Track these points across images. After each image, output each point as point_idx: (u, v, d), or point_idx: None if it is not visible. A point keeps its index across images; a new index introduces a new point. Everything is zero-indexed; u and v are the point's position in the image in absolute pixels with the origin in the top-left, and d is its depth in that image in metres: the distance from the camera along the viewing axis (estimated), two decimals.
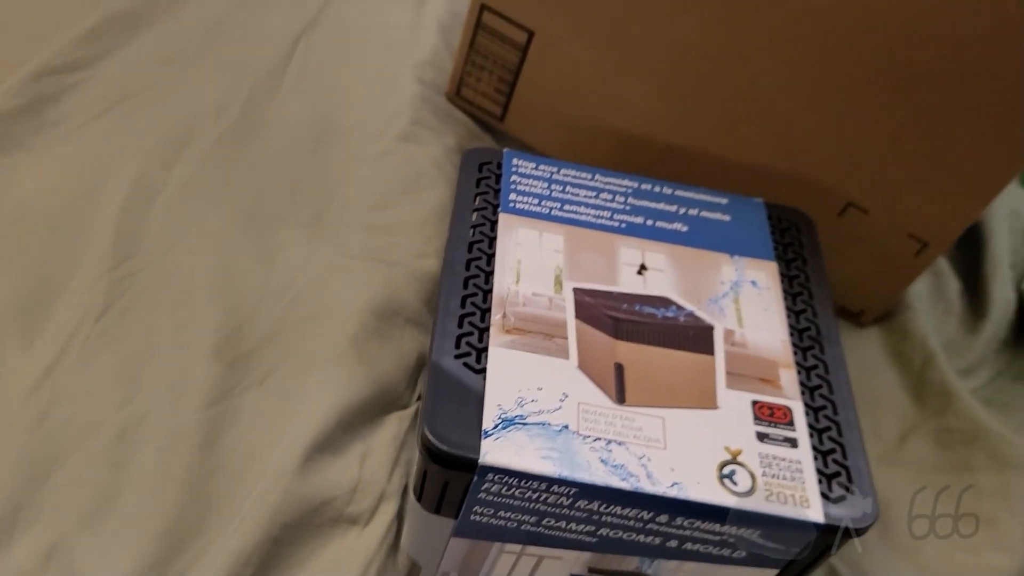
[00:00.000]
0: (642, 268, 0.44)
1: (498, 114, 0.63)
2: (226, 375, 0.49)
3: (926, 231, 0.55)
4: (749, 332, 0.42)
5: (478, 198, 0.46)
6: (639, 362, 0.40)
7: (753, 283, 0.45)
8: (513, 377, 0.39)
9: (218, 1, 0.67)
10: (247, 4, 0.68)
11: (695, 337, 0.42)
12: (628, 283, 0.43)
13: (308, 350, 0.50)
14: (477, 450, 0.36)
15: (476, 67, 0.62)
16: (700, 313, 0.42)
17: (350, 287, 0.53)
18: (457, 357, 0.39)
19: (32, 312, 0.49)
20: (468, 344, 0.39)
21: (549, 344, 0.40)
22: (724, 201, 0.49)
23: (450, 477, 0.37)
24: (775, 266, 0.46)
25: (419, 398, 0.51)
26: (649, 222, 0.47)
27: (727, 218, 0.48)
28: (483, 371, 0.39)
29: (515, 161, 0.48)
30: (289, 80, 0.64)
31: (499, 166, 0.48)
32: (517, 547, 0.39)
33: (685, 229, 0.47)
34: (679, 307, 0.43)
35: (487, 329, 0.40)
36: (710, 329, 0.42)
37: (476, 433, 0.37)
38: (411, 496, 0.40)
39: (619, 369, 0.40)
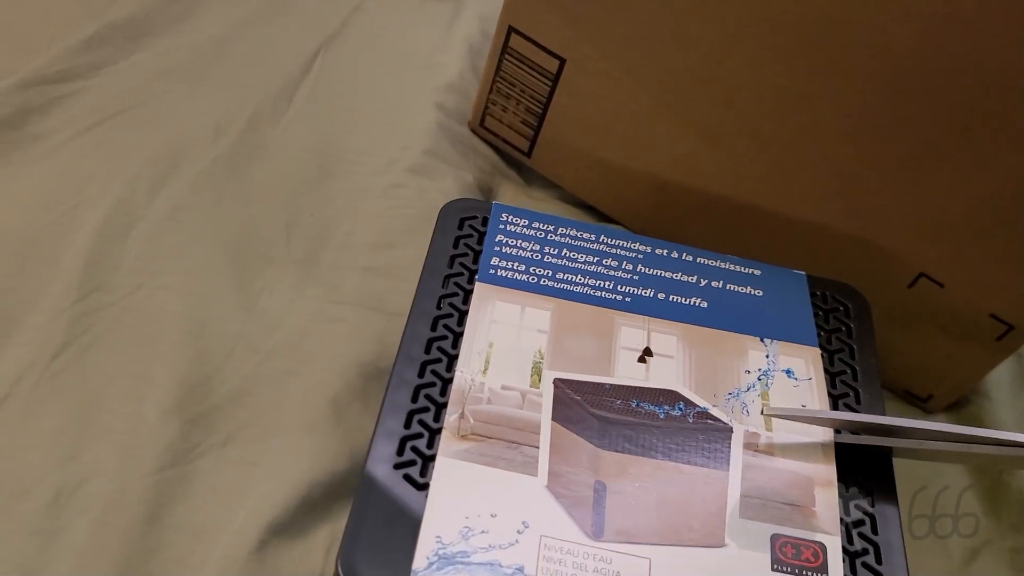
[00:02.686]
0: (646, 353, 0.36)
1: (525, 148, 0.57)
2: (185, 434, 0.43)
3: (1012, 313, 0.46)
4: (779, 437, 0.34)
5: (455, 262, 0.39)
6: (627, 480, 0.32)
7: (788, 372, 0.36)
8: (462, 498, 0.31)
9: (234, 11, 0.62)
10: (265, 16, 0.63)
11: (705, 445, 0.33)
12: (626, 373, 0.35)
13: (281, 410, 0.44)
14: None
15: (502, 96, 0.55)
16: (716, 412, 0.35)
17: (337, 339, 0.47)
18: (397, 467, 0.32)
19: None
20: (414, 450, 0.32)
21: (514, 455, 0.32)
22: (757, 272, 0.41)
23: None
24: (817, 352, 0.38)
25: None
26: (661, 295, 0.39)
27: (760, 293, 0.40)
28: (427, 487, 0.32)
29: (503, 216, 0.41)
30: (299, 100, 0.58)
31: (484, 223, 0.41)
32: None
33: (705, 305, 0.39)
34: (688, 403, 0.35)
35: (440, 431, 0.33)
36: (727, 432, 0.34)
37: (406, 572, 0.30)
38: None
39: (600, 489, 0.32)
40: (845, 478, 0.34)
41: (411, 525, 0.31)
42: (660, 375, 0.36)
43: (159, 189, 0.52)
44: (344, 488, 0.42)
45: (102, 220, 0.49)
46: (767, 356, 0.37)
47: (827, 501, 0.33)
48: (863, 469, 0.35)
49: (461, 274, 0.39)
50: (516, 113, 0.55)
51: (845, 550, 0.32)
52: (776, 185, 0.48)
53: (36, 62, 0.56)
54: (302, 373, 0.45)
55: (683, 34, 0.46)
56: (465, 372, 0.35)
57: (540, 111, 0.54)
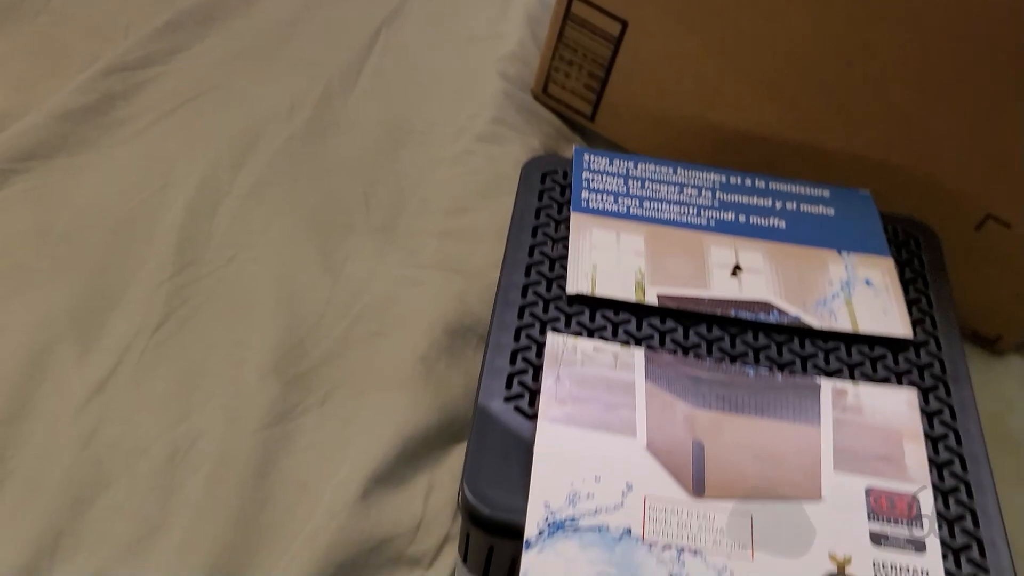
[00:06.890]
0: (736, 268, 0.38)
1: (588, 113, 0.58)
2: (284, 394, 0.45)
3: None
4: (865, 393, 0.35)
5: (541, 214, 0.41)
6: (724, 437, 0.33)
7: (867, 282, 0.38)
8: (566, 462, 0.32)
9: None
10: None
11: (795, 401, 0.34)
12: (721, 286, 0.38)
13: (372, 370, 0.46)
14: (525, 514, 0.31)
15: (564, 62, 0.57)
16: (808, 318, 0.36)
17: (420, 300, 0.49)
18: (508, 400, 0.34)
19: (90, 320, 0.47)
20: (521, 384, 0.34)
21: (611, 417, 0.33)
22: (826, 193, 0.43)
23: (495, 543, 0.32)
24: (891, 262, 0.40)
25: None
26: (742, 218, 0.41)
27: (831, 212, 0.42)
28: (536, 417, 0.33)
29: (586, 157, 0.44)
30: (366, 76, 0.60)
31: (565, 175, 0.43)
32: None
33: (783, 225, 0.41)
34: (782, 311, 0.37)
35: (541, 368, 0.35)
36: (815, 389, 0.35)
37: (526, 492, 0.32)
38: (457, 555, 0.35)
39: (698, 449, 0.33)
40: (931, 422, 0.35)
41: (528, 451, 0.33)
42: (752, 288, 0.38)
43: (240, 167, 0.54)
44: (438, 439, 0.44)
45: (190, 198, 0.52)
46: (846, 267, 0.39)
47: (916, 455, 0.34)
48: (947, 414, 0.36)
49: (547, 224, 0.41)
50: (579, 78, 0.57)
51: (936, 488, 0.33)
52: (842, 134, 0.49)
53: (116, 50, 0.58)
54: (390, 334, 0.47)
55: None
56: (575, 288, 0.37)
57: (603, 75, 0.56)
